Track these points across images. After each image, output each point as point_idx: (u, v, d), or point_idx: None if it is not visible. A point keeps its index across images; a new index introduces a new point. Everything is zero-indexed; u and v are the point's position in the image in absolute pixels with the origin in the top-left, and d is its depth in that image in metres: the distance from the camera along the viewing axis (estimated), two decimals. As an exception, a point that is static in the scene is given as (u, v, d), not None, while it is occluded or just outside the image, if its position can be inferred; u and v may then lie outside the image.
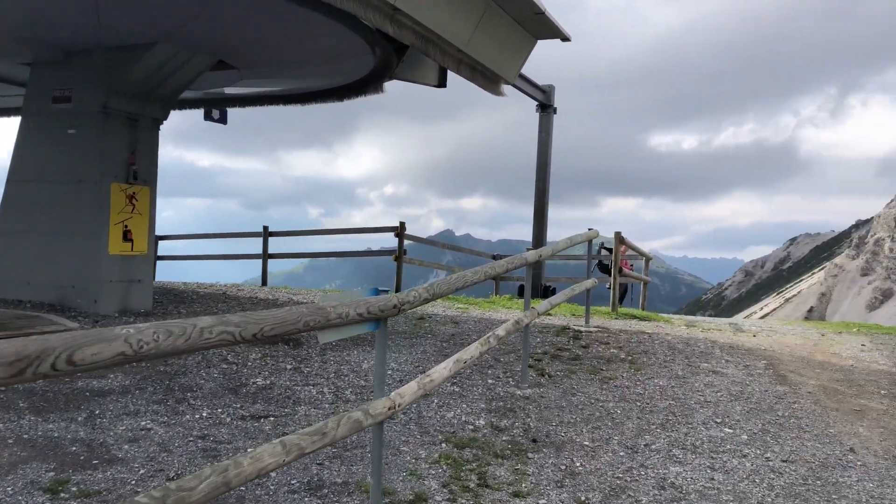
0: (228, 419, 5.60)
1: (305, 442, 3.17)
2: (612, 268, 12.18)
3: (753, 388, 7.04)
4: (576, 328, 9.53)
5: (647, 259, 15.08)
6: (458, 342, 8.43)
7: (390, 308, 3.83)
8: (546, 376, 7.15)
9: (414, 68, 11.23)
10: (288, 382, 6.64)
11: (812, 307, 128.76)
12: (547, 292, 14.47)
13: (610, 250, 19.13)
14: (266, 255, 15.01)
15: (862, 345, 9.36)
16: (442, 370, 4.58)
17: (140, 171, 9.66)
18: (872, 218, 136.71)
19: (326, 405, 6.10)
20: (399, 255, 13.68)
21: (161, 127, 10.22)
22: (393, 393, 4.01)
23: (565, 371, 7.37)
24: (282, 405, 6.02)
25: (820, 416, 6.22)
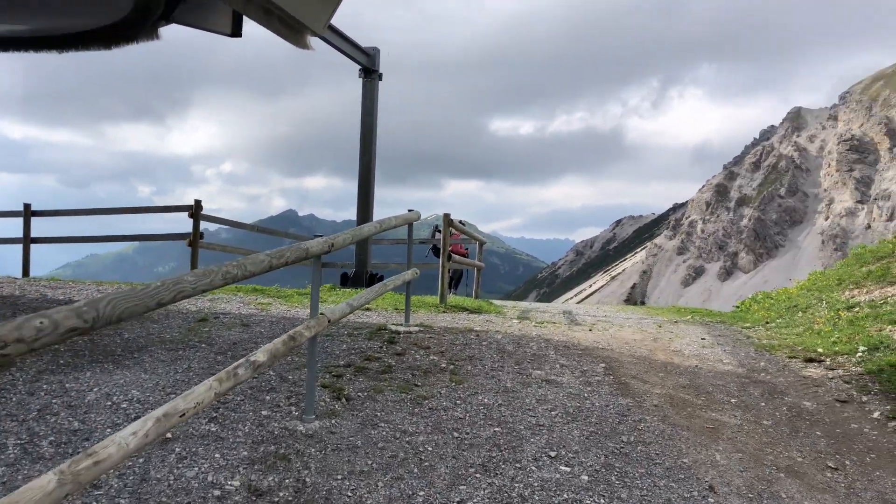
0: None
1: None
2: (441, 254, 10.80)
3: (593, 401, 5.85)
4: (394, 328, 8.00)
5: (481, 243, 13.92)
6: (242, 354, 6.59)
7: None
8: (343, 399, 5.52)
9: (201, 11, 9.07)
10: (-47, 432, 4.50)
11: (635, 284, 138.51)
12: (373, 281, 12.89)
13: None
14: (28, 240, 12.16)
15: (702, 338, 8.61)
16: (125, 439, 2.77)
17: None
18: (687, 202, 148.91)
19: (2, 468, 4.08)
20: (194, 238, 11.46)
21: None
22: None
23: (370, 390, 5.78)
24: (-79, 476, 3.92)
25: (670, 440, 5.09)
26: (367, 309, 9.64)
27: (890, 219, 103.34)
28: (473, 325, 8.74)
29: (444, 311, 9.94)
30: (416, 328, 8.09)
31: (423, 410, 5.40)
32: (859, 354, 6.95)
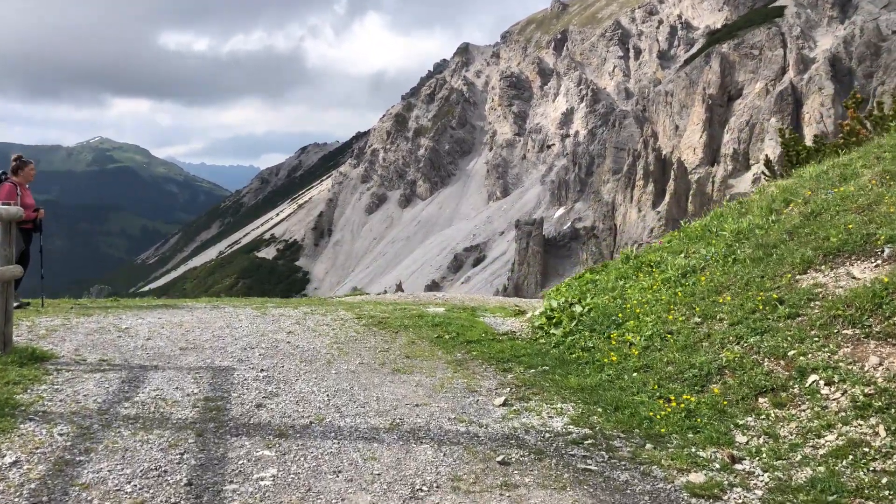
0: None
1: None
2: None
3: None
4: None
5: (9, 222, 5.73)
6: None
7: None
8: None
9: None
10: None
11: (322, 212, 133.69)
12: None
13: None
14: None
15: None
16: None
17: None
18: (370, 130, 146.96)
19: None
20: None
21: None
22: None
23: None
24: None
25: None
26: None
27: (541, 150, 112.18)
28: None
29: None
30: None
31: None
32: None
